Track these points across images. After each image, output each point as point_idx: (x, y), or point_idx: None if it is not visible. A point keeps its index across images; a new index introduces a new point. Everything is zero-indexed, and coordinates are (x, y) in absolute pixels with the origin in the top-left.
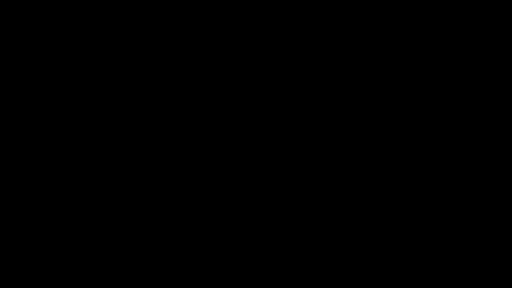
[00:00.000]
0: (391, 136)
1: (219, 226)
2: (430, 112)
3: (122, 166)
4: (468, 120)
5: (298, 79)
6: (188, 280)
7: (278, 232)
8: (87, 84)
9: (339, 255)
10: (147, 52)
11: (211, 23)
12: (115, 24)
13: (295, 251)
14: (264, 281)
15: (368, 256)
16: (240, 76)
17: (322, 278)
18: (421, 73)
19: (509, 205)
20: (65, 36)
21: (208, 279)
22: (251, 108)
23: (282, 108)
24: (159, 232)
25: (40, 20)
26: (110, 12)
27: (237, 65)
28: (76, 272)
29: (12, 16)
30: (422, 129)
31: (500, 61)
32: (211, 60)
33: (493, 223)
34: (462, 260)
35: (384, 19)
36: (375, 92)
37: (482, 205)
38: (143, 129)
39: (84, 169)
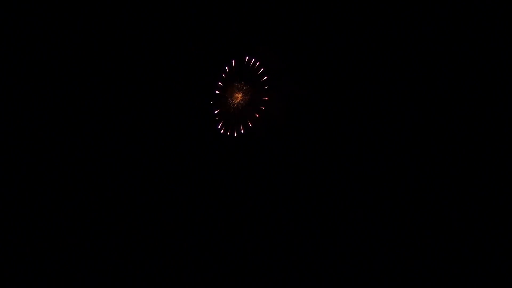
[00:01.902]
0: (391, 136)
1: (219, 226)
2: (430, 112)
3: (122, 166)
4: (468, 120)
5: (298, 79)
6: (188, 280)
7: (278, 232)
8: (87, 84)
9: (339, 255)
10: (147, 52)
11: (211, 23)
12: (115, 24)
13: (295, 251)
14: (264, 281)
15: (368, 256)
16: (240, 76)
17: (322, 278)
18: (421, 73)
19: (509, 205)
20: (65, 36)
21: (208, 279)
22: (251, 108)
23: (282, 108)
24: (159, 232)
25: (40, 20)
26: (110, 12)
27: (237, 65)
28: (76, 272)
29: (12, 16)
30: (422, 129)
31: (500, 61)
32: (211, 60)
33: (493, 223)
34: (462, 260)
35: (384, 19)
36: (375, 92)
37: (482, 205)
38: (143, 129)
39: (84, 169)
